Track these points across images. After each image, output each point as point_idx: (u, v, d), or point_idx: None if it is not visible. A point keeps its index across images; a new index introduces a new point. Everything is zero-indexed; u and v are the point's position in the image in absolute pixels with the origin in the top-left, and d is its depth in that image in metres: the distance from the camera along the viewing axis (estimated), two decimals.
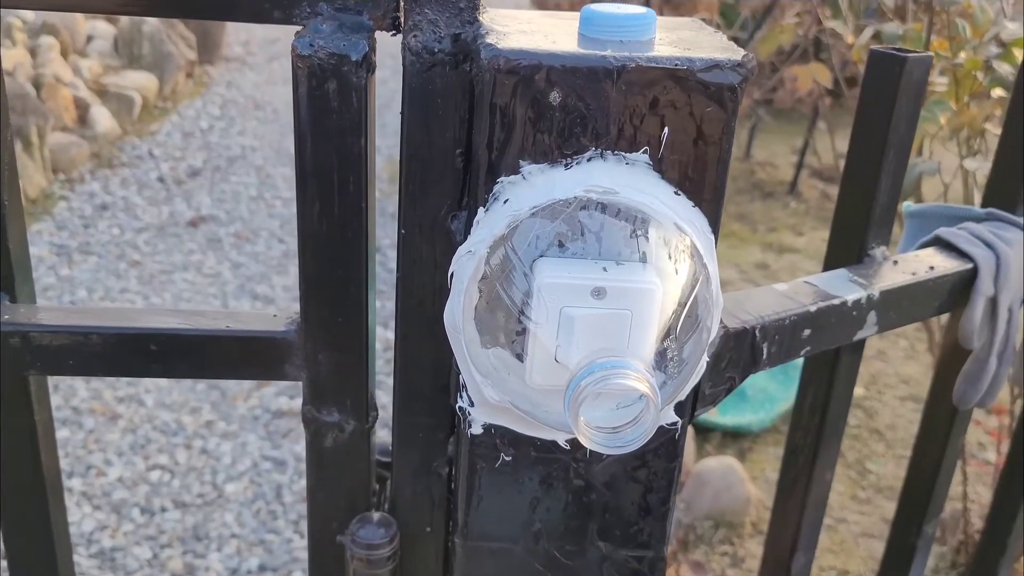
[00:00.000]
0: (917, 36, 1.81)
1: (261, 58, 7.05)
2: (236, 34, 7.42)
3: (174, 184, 4.66)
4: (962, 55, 1.92)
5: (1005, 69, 1.95)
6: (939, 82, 1.98)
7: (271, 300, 3.54)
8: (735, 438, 2.76)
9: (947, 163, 2.05)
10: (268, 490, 2.56)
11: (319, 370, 0.57)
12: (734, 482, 2.35)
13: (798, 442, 0.76)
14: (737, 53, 0.48)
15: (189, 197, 4.52)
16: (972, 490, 2.39)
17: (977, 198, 1.95)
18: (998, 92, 1.98)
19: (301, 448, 2.68)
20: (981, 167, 1.68)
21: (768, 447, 2.76)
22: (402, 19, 0.50)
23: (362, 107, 0.51)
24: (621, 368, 0.42)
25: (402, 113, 0.52)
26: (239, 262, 3.89)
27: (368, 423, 0.59)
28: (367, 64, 0.50)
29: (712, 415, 2.76)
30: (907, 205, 0.84)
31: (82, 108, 4.86)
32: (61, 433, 2.72)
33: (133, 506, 2.49)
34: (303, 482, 2.56)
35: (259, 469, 2.63)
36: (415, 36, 0.50)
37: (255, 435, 2.77)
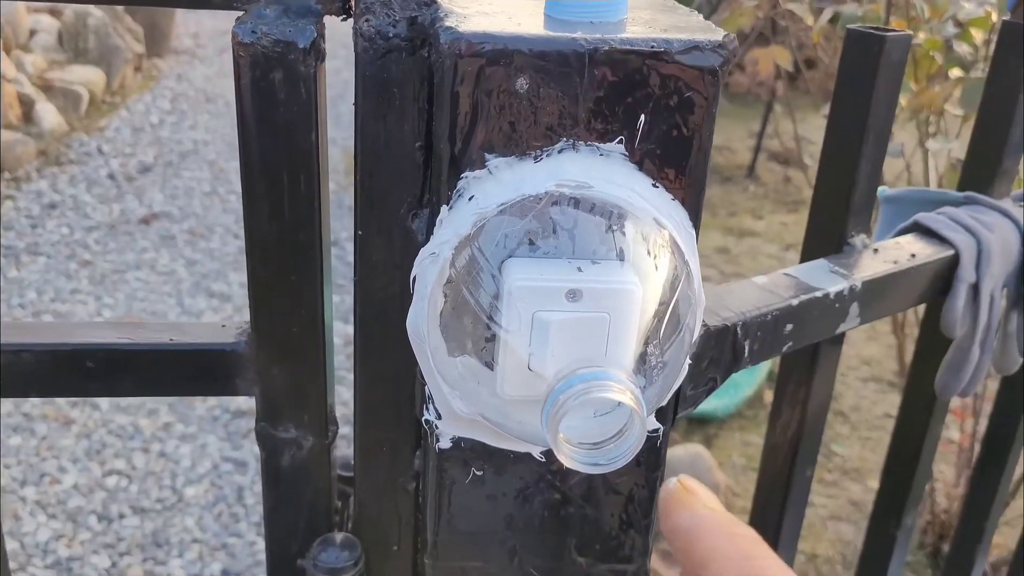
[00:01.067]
0: (876, 17, 1.80)
1: (211, 50, 6.92)
2: (185, 25, 7.28)
3: (125, 181, 4.55)
4: (920, 35, 1.91)
5: (964, 49, 1.94)
6: None
7: (228, 297, 3.47)
8: (701, 424, 2.75)
9: (909, 144, 2.04)
10: (229, 492, 2.50)
11: (273, 384, 0.52)
12: (702, 470, 2.34)
13: (777, 439, 0.73)
14: (717, 33, 0.44)
15: (141, 194, 4.42)
16: (936, 469, 2.40)
17: (934, 178, 1.95)
18: (956, 72, 1.98)
19: None
20: (942, 148, 1.67)
21: (734, 432, 2.75)
22: (353, 2, 0.46)
23: (311, 98, 0.47)
24: (603, 380, 0.39)
25: (356, 104, 0.48)
26: (194, 259, 3.81)
27: (328, 439, 0.55)
28: (316, 51, 0.46)
29: None
30: (882, 190, 0.82)
31: (27, 105, 4.72)
32: (12, 441, 2.64)
33: (90, 513, 2.42)
34: None
35: (219, 471, 2.57)
36: (367, 20, 0.46)
37: (215, 436, 2.70)
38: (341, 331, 2.94)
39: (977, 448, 2.20)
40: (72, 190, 4.37)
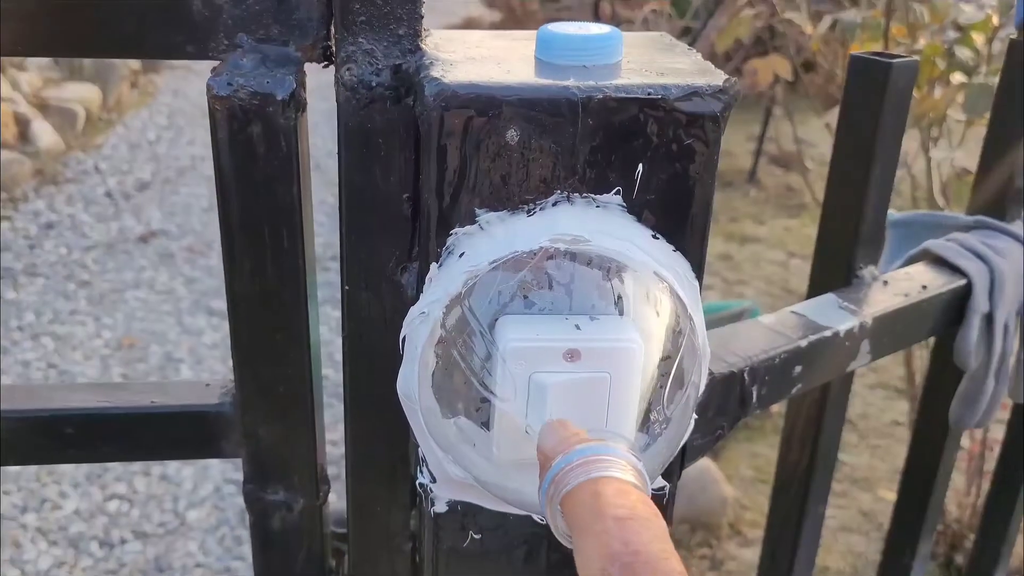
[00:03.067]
0: (876, 24, 1.77)
1: (208, 64, 6.90)
2: None
3: (122, 199, 4.53)
4: (921, 41, 1.89)
5: (965, 54, 1.92)
6: None
7: (227, 315, 3.44)
8: None
9: (911, 150, 2.02)
10: (232, 515, 2.48)
11: (260, 445, 0.50)
12: (708, 483, 2.31)
13: (787, 476, 0.71)
14: (717, 77, 0.42)
15: (138, 212, 4.40)
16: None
17: (936, 186, 1.92)
18: (958, 77, 1.95)
19: None
20: (946, 157, 1.65)
21: (741, 444, 2.72)
22: (334, 49, 0.44)
23: (292, 151, 0.44)
24: (604, 455, 0.36)
25: (339, 155, 0.45)
26: (193, 277, 3.78)
27: (319, 499, 0.52)
28: (296, 102, 0.44)
29: None
30: (890, 214, 0.79)
31: (23, 124, 4.71)
32: (13, 467, 2.62)
33: (91, 539, 2.39)
34: None
35: (222, 493, 2.55)
36: (349, 69, 0.43)
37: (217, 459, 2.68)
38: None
39: (988, 455, 2.17)
40: (69, 209, 4.35)
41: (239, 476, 2.50)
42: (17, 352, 3.14)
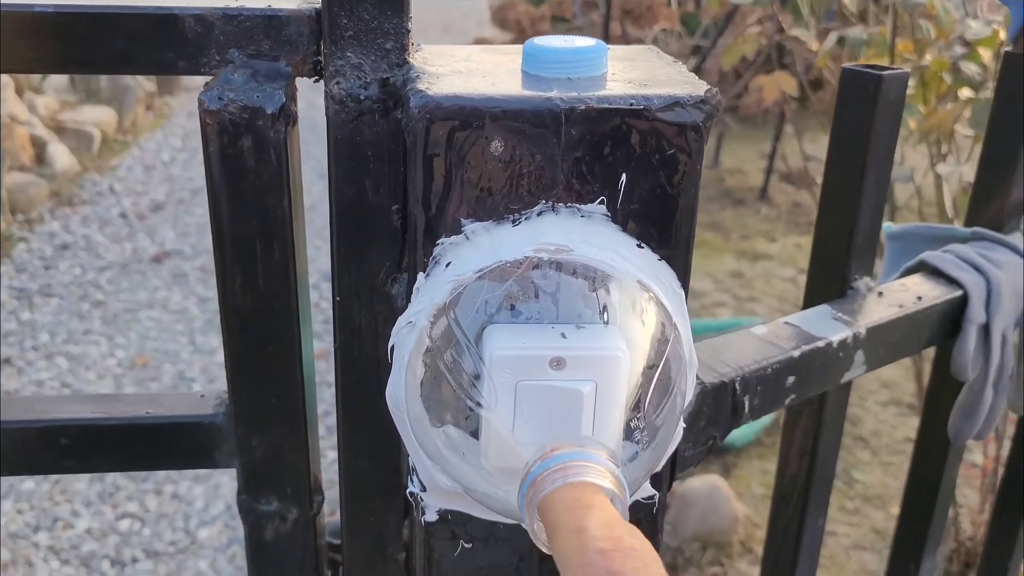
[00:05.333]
0: (882, 40, 1.78)
1: None
2: None
3: (136, 219, 4.57)
4: (927, 57, 1.89)
5: (972, 69, 1.92)
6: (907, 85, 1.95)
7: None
8: (719, 454, 2.71)
9: (920, 166, 2.01)
10: (243, 534, 2.48)
11: (253, 456, 0.51)
12: (720, 501, 2.30)
13: (786, 489, 0.71)
14: (699, 87, 0.42)
15: (152, 232, 4.43)
16: (960, 494, 2.35)
17: (948, 201, 1.92)
18: (965, 92, 1.95)
19: None
20: (953, 172, 1.64)
21: (752, 461, 2.71)
22: (324, 63, 0.45)
23: (282, 164, 0.45)
24: (581, 461, 0.36)
25: (329, 167, 0.46)
26: (206, 297, 3.81)
27: (313, 510, 0.53)
28: (285, 116, 0.44)
29: None
30: (887, 226, 0.79)
31: (39, 146, 4.76)
32: (26, 485, 2.63)
33: (103, 558, 2.40)
34: None
35: (233, 512, 2.55)
36: (338, 82, 0.44)
37: (227, 476, 2.68)
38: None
39: (1001, 472, 2.15)
40: (84, 230, 4.39)
41: None
42: (31, 372, 3.16)
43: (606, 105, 0.41)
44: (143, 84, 5.85)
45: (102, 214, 4.59)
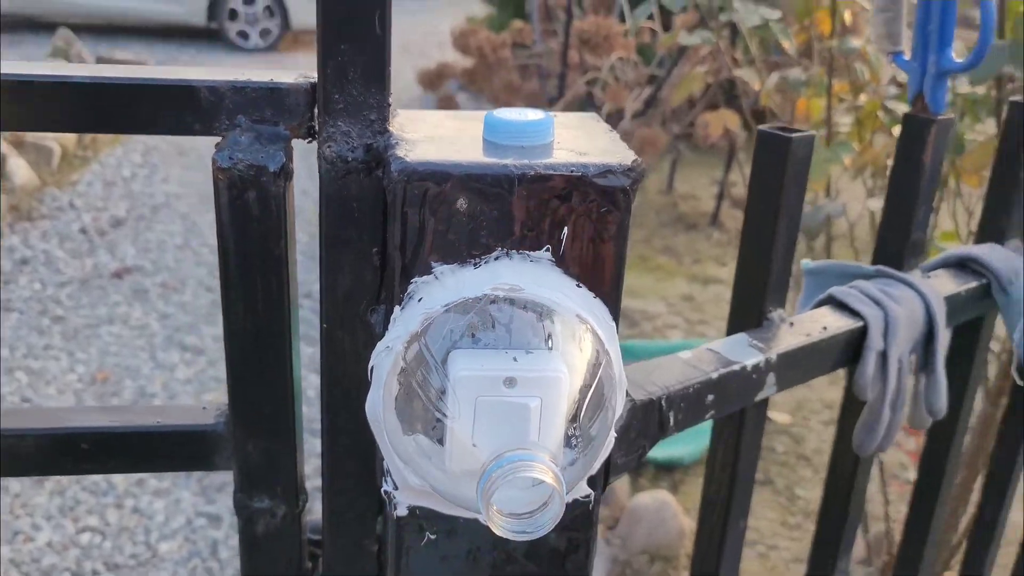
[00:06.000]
0: (820, 81, 1.90)
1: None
2: None
3: (97, 235, 4.59)
4: (862, 97, 2.02)
5: (903, 109, 2.05)
6: (844, 123, 2.08)
7: (201, 351, 3.51)
8: (668, 471, 2.81)
9: (855, 198, 2.14)
10: (203, 547, 2.53)
11: (249, 460, 0.59)
12: (667, 516, 2.40)
13: (712, 495, 0.80)
14: (628, 157, 0.52)
15: (113, 248, 4.46)
16: (895, 510, 2.47)
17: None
18: (896, 130, 2.08)
19: None
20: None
21: (699, 478, 2.82)
22: (317, 129, 0.54)
23: (281, 213, 0.54)
24: (528, 460, 0.46)
25: (320, 215, 0.55)
26: (167, 313, 3.85)
27: (299, 507, 0.61)
28: (284, 173, 0.53)
29: None
30: (805, 263, 0.90)
31: None
32: None
33: (63, 572, 2.44)
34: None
35: (193, 526, 2.60)
36: (329, 146, 0.53)
37: (188, 491, 2.73)
38: (313, 382, 2.99)
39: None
40: (44, 245, 4.41)
41: (210, 509, 2.57)
42: None
43: (551, 171, 0.50)
44: None
45: (62, 229, 4.60)
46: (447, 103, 4.58)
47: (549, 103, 4.28)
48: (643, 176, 0.52)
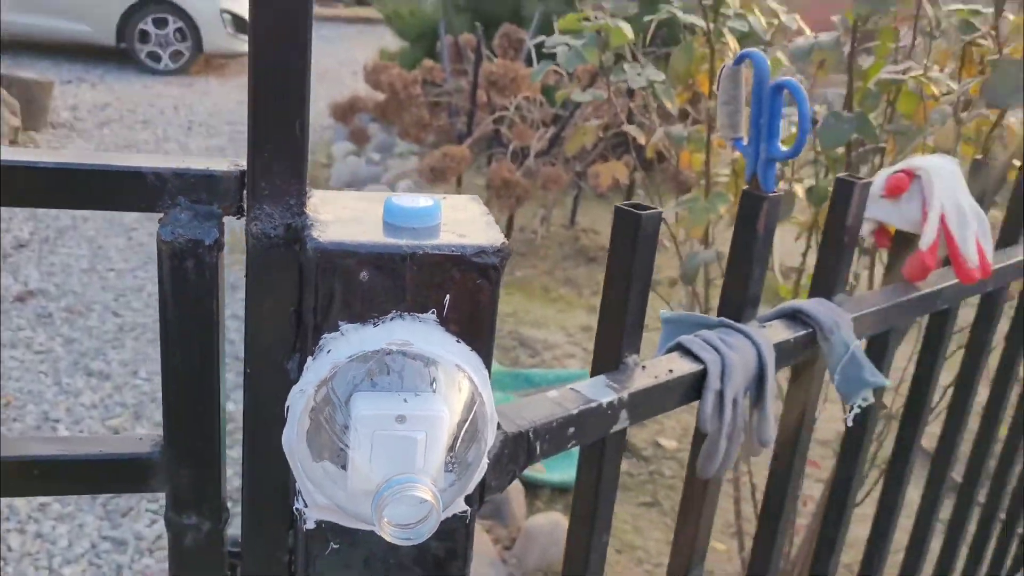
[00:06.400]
0: (699, 136, 2.08)
1: (91, 123, 6.92)
2: (63, 99, 7.26)
3: None
4: (737, 153, 2.21)
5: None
6: (723, 173, 2.27)
7: (107, 376, 3.52)
8: (562, 493, 2.96)
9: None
10: (108, 571, 2.56)
11: (180, 483, 0.70)
12: (560, 536, 2.54)
13: (580, 512, 0.94)
14: (498, 239, 0.65)
15: (16, 271, 4.41)
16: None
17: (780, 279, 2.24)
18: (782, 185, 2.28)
19: (141, 527, 2.70)
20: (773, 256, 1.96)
21: None
22: (246, 209, 0.66)
23: (214, 278, 0.65)
24: (413, 483, 0.58)
25: (247, 280, 0.67)
26: (72, 337, 3.84)
27: (221, 523, 0.72)
28: (217, 245, 0.65)
29: (540, 472, 2.95)
30: (663, 313, 1.05)
31: None
32: None
33: None
34: (144, 561, 2.58)
35: (98, 550, 2.63)
36: (256, 224, 0.65)
37: (92, 516, 2.76)
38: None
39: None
40: None
41: (116, 533, 2.61)
42: None
43: (437, 251, 0.64)
44: (8, 119, 5.79)
45: None
46: (359, 135, 4.68)
47: (458, 139, 4.42)
48: (509, 256, 0.65)
